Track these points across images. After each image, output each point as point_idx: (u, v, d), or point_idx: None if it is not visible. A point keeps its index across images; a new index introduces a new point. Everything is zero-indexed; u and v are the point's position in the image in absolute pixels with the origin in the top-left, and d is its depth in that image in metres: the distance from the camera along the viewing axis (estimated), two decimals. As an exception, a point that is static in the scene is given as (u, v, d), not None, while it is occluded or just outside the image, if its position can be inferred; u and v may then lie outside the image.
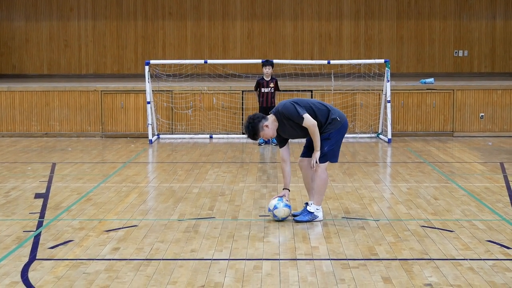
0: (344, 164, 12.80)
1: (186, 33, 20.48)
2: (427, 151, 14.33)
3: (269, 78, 15.05)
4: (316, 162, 8.37)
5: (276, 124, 8.41)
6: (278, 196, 8.63)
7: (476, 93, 16.49)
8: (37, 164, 12.83)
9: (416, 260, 7.08)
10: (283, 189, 8.77)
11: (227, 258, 7.15)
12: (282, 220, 8.58)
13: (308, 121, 8.26)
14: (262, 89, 15.07)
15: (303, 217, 8.54)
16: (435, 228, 8.32)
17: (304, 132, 8.42)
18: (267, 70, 14.97)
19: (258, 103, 15.33)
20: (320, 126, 8.38)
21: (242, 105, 16.44)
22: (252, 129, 8.37)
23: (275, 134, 8.48)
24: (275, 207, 8.53)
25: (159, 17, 20.45)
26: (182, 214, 9.00)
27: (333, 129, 8.42)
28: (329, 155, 8.48)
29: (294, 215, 8.68)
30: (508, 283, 6.40)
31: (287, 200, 8.65)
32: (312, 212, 8.55)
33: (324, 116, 8.41)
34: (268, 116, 8.47)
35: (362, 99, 16.51)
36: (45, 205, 9.50)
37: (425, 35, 20.46)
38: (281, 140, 8.61)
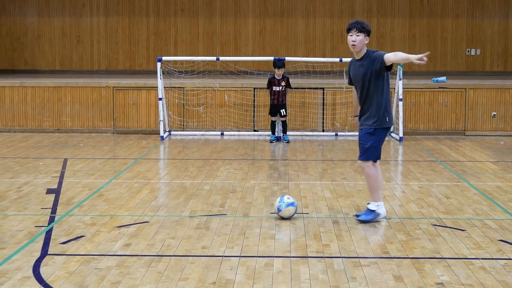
0: (355, 162, 12.78)
1: (198, 30, 20.49)
2: (438, 149, 14.29)
3: (281, 77, 15.09)
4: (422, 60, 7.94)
5: (363, 51, 8.31)
6: None
7: (488, 92, 16.43)
8: (49, 159, 12.87)
9: (428, 259, 7.07)
10: (354, 116, 8.94)
11: (238, 255, 7.16)
12: (290, 218, 8.58)
13: (389, 54, 8.11)
14: (273, 87, 15.10)
15: (366, 217, 8.43)
16: (446, 227, 8.30)
17: (363, 83, 8.32)
18: (279, 72, 15.04)
19: (270, 100, 15.36)
20: (376, 108, 8.29)
21: (254, 102, 16.43)
22: (363, 23, 8.30)
23: (359, 51, 8.32)
24: (279, 210, 8.53)
25: (171, 13, 20.47)
26: (194, 210, 9.01)
27: (379, 126, 8.33)
28: (372, 153, 8.37)
29: (357, 215, 8.62)
30: (520, 282, 6.39)
31: (288, 198, 8.62)
32: (374, 210, 8.45)
33: (386, 106, 8.34)
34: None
35: (373, 97, 16.46)
36: (56, 200, 9.53)
37: (438, 33, 20.40)
38: (351, 82, 8.61)
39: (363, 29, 8.27)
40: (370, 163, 8.45)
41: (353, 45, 8.30)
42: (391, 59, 8.10)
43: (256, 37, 20.48)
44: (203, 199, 9.68)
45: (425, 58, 7.78)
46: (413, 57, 7.87)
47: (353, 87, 8.73)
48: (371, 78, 8.26)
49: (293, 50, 20.29)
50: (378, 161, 8.55)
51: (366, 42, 8.33)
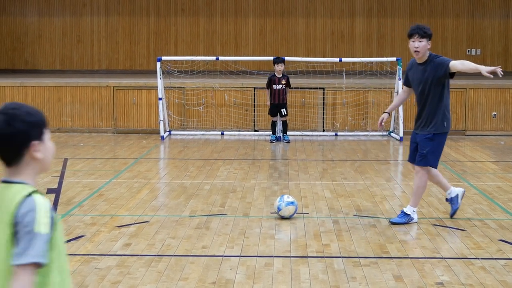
0: (355, 162, 12.80)
1: (198, 29, 20.49)
2: (439, 149, 14.27)
3: (281, 75, 15.06)
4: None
5: (426, 55, 8.23)
6: None
7: (488, 92, 16.43)
8: (49, 159, 12.84)
9: (428, 259, 7.07)
10: (383, 112, 8.87)
11: (238, 255, 7.16)
12: (290, 217, 8.58)
13: (455, 62, 8.03)
14: (273, 85, 15.06)
15: (400, 219, 8.40)
16: (446, 226, 8.31)
17: (422, 88, 8.26)
18: (280, 68, 14.99)
19: (268, 101, 15.23)
20: (434, 113, 8.26)
21: (254, 102, 16.43)
22: (425, 27, 8.25)
23: (422, 56, 8.21)
24: (279, 209, 8.54)
25: (172, 13, 20.47)
26: (194, 210, 9.01)
27: (438, 131, 8.29)
28: (430, 158, 8.33)
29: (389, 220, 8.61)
30: (520, 282, 6.39)
31: (288, 197, 8.62)
32: (409, 215, 8.41)
33: (445, 111, 8.28)
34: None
35: (374, 97, 16.48)
36: (57, 200, 9.53)
37: (438, 33, 20.39)
38: (408, 83, 8.55)
39: (425, 34, 8.18)
40: (426, 169, 8.41)
41: (416, 51, 8.20)
42: (457, 67, 8.00)
43: (256, 37, 20.48)
44: (203, 199, 9.68)
45: (498, 71, 7.66)
46: (484, 69, 7.69)
47: (403, 88, 8.75)
48: (432, 84, 8.19)
49: (293, 50, 20.30)
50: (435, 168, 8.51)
51: (429, 47, 8.24)
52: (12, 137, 3.07)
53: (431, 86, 8.20)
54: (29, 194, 3.07)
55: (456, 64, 8.02)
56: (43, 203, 3.06)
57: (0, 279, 3.09)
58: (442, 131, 8.32)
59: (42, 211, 3.03)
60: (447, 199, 8.77)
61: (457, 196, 8.63)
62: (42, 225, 3.01)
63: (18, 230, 3.02)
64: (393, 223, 8.38)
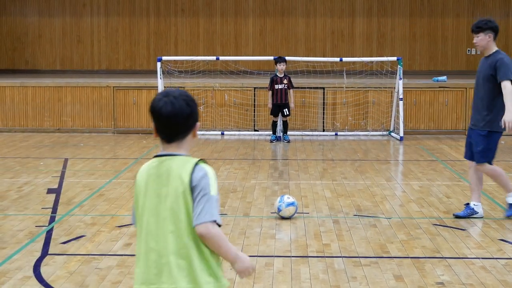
0: (356, 161, 12.79)
1: (198, 29, 20.49)
2: (439, 149, 14.29)
3: (283, 75, 15.03)
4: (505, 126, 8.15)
5: (490, 49, 8.43)
6: None
7: (489, 91, 16.39)
8: (49, 159, 12.87)
9: (428, 259, 7.07)
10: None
11: (239, 254, 7.15)
12: (290, 218, 8.57)
13: (507, 84, 8.15)
14: (275, 85, 15.00)
15: (463, 213, 8.55)
16: (447, 226, 8.31)
17: (482, 85, 8.41)
18: (282, 67, 14.95)
19: (270, 103, 15.13)
20: (488, 110, 8.35)
21: (254, 102, 16.42)
22: (481, 22, 8.43)
23: (484, 49, 8.45)
24: (279, 209, 8.53)
25: (172, 13, 20.47)
26: (194, 210, 8.98)
27: (494, 129, 8.40)
28: (485, 155, 8.44)
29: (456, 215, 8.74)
30: (520, 282, 6.38)
31: (288, 198, 8.62)
32: (472, 208, 8.56)
33: (499, 110, 8.32)
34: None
35: (374, 96, 16.48)
36: (57, 200, 9.53)
37: (438, 32, 20.40)
38: None
39: (479, 29, 8.43)
40: (486, 164, 8.49)
41: (476, 46, 8.54)
42: (502, 90, 8.18)
43: (256, 36, 20.48)
44: (204, 198, 9.65)
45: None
46: (508, 118, 8.03)
47: None
48: (484, 78, 8.38)
49: (293, 49, 20.29)
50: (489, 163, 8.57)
51: (489, 39, 8.46)
52: (190, 116, 3.55)
53: (484, 80, 8.40)
54: (197, 163, 3.48)
55: (506, 85, 8.15)
56: (211, 170, 3.51)
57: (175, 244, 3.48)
58: (498, 130, 8.43)
59: (213, 176, 3.48)
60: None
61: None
62: (214, 188, 3.46)
63: (196, 194, 3.43)
64: (457, 217, 8.56)
